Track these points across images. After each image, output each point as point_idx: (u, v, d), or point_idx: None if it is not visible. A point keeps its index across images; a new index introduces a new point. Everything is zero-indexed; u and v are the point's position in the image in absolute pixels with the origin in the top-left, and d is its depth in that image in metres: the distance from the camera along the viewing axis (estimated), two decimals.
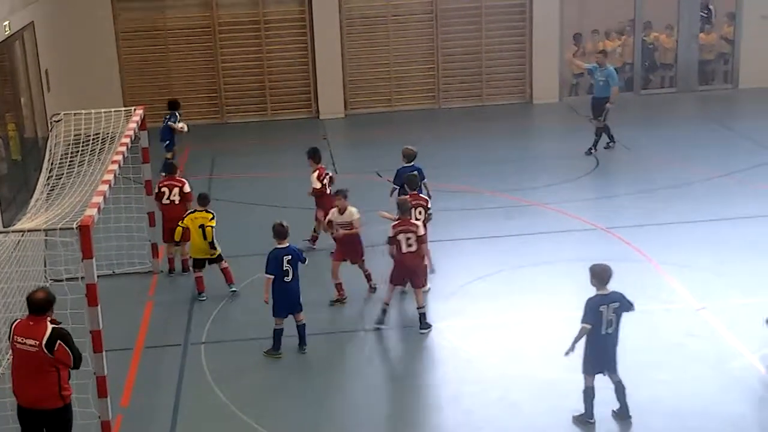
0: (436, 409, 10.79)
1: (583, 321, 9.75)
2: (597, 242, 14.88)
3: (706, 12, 24.97)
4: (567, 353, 9.81)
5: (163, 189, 14.25)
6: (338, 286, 13.12)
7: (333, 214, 13.04)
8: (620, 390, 10.06)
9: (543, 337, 11.79)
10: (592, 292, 9.81)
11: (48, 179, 13.11)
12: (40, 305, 8.71)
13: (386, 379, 11.50)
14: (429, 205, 13.31)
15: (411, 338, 12.26)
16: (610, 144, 19.81)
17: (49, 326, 8.67)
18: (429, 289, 13.25)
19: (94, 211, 9.96)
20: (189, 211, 13.47)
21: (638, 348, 11.57)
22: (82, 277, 9.72)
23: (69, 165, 13.10)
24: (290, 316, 11.77)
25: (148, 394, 11.10)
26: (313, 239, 14.85)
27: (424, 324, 12.24)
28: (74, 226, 9.59)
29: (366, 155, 20.37)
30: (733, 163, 18.57)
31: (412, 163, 14.00)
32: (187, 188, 14.22)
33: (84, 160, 13.09)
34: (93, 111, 13.95)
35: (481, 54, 24.00)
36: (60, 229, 9.84)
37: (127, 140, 12.80)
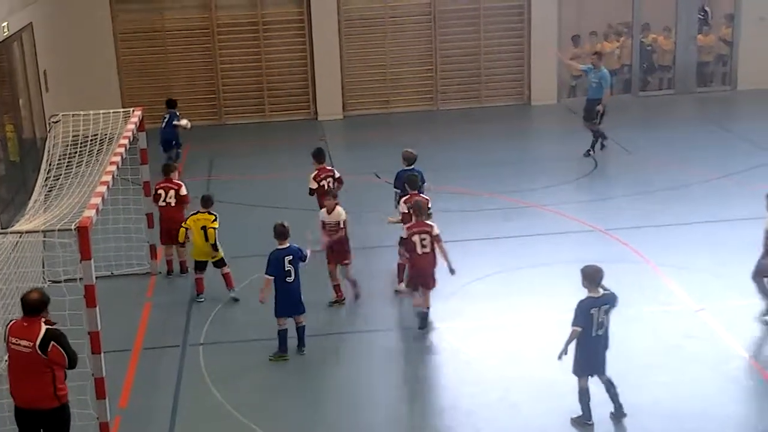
0: (435, 410, 10.79)
1: (574, 324, 9.76)
2: (595, 244, 14.89)
3: (702, 14, 24.99)
4: (560, 356, 9.83)
5: (159, 191, 14.23)
6: (336, 288, 13.11)
7: (322, 213, 13.02)
8: (611, 389, 10.07)
9: (542, 338, 11.78)
10: None
11: (46, 180, 13.10)
12: (34, 306, 8.71)
13: (385, 380, 11.48)
14: (429, 205, 13.31)
15: (410, 339, 12.26)
16: (603, 144, 19.76)
17: (43, 327, 8.67)
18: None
19: (92, 213, 9.94)
20: (192, 213, 13.45)
21: (637, 350, 11.59)
22: (80, 279, 9.72)
23: (67, 166, 13.09)
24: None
25: (146, 395, 11.09)
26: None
27: (423, 324, 12.23)
28: (72, 227, 9.58)
29: (364, 156, 20.37)
30: (731, 164, 18.58)
31: (413, 167, 13.95)
32: (183, 191, 14.20)
33: (82, 161, 13.09)
34: (91, 112, 13.94)
35: (480, 56, 24.01)
36: (58, 230, 9.83)
37: (126, 141, 12.79)
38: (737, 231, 14.93)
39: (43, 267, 13.43)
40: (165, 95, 20.42)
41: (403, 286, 13.43)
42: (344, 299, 13.12)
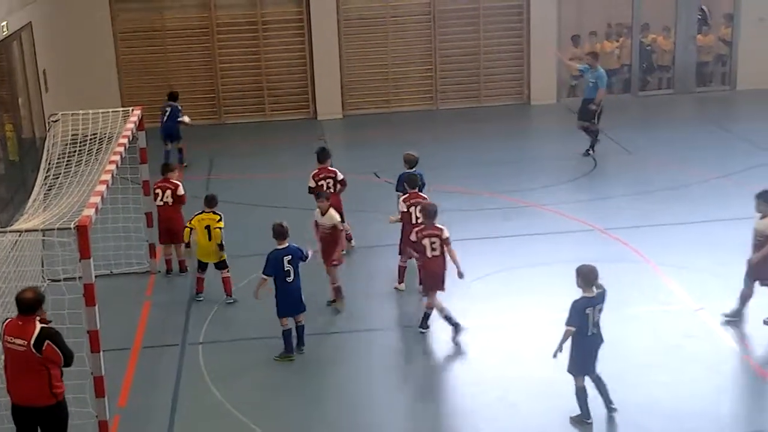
0: (435, 410, 10.79)
1: (568, 323, 9.77)
2: (594, 243, 14.89)
3: (700, 13, 24.99)
4: (555, 355, 9.86)
5: (156, 190, 14.23)
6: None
7: (316, 214, 12.92)
8: (601, 385, 10.08)
9: (541, 337, 11.76)
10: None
11: (45, 179, 13.09)
12: (28, 305, 8.71)
13: (384, 379, 11.48)
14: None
15: (409, 339, 12.26)
16: (587, 150, 19.68)
17: (38, 326, 8.67)
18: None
19: (91, 212, 9.94)
20: (197, 212, 13.44)
21: (636, 349, 11.59)
22: (79, 277, 9.72)
23: (66, 165, 13.08)
24: None
25: (145, 394, 11.09)
26: (348, 237, 14.70)
27: (425, 324, 12.23)
28: (72, 226, 9.58)
29: (363, 156, 20.36)
30: (730, 164, 18.58)
31: (414, 169, 13.89)
32: (180, 191, 14.17)
33: (81, 161, 13.08)
34: (91, 111, 13.94)
35: (479, 55, 24.01)
36: (57, 229, 9.82)
37: (125, 140, 12.78)
38: (736, 231, 14.85)
39: (43, 266, 13.43)
40: (164, 95, 20.44)
41: (403, 286, 13.44)
42: (343, 298, 13.11)
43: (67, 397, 9.06)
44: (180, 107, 19.50)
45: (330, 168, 14.46)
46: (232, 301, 13.28)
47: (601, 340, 9.94)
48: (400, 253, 13.51)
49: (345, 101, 23.86)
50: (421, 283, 12.51)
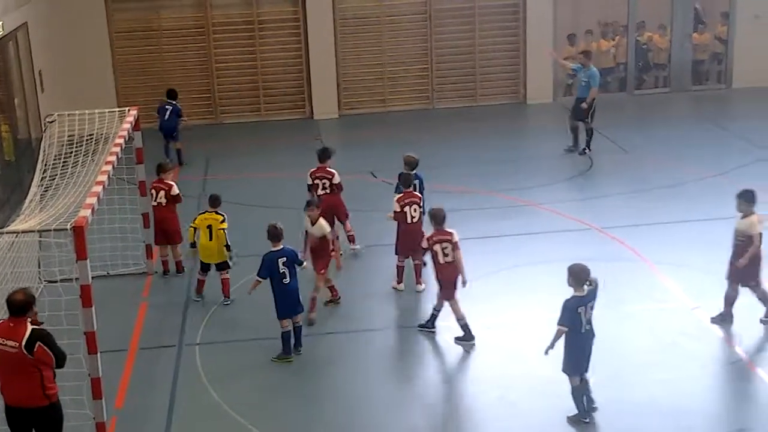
0: (434, 410, 10.79)
1: (560, 323, 9.80)
2: (591, 242, 14.90)
3: (693, 11, 24.98)
4: (546, 351, 9.90)
5: (151, 191, 14.22)
6: (331, 288, 13.07)
7: (306, 223, 12.70)
8: (585, 384, 10.09)
9: (540, 336, 11.73)
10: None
11: (42, 180, 13.08)
12: (18, 306, 8.69)
13: (383, 379, 11.49)
14: (422, 204, 13.31)
15: (409, 338, 12.26)
16: (572, 148, 19.67)
17: (29, 327, 8.66)
18: (424, 288, 13.32)
19: (88, 212, 9.94)
20: (200, 212, 13.41)
21: (633, 347, 11.61)
22: (76, 279, 9.71)
23: (63, 166, 13.07)
24: None
25: (142, 395, 11.08)
26: (351, 239, 14.70)
27: (430, 325, 12.20)
28: (68, 227, 9.57)
29: (360, 156, 20.34)
30: (726, 162, 18.60)
31: (414, 171, 13.84)
32: (174, 191, 14.15)
33: (78, 161, 13.07)
34: (87, 112, 13.94)
35: (475, 54, 24.01)
36: (54, 230, 9.83)
37: (121, 141, 12.78)
38: (733, 229, 14.92)
39: (39, 267, 13.42)
40: (161, 94, 20.43)
41: (402, 285, 13.43)
42: (339, 298, 13.11)
43: (63, 399, 9.07)
44: (180, 106, 19.50)
45: (328, 169, 14.41)
46: (229, 302, 13.27)
47: (593, 335, 9.95)
48: (396, 253, 13.50)
49: (341, 101, 23.85)
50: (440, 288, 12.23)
